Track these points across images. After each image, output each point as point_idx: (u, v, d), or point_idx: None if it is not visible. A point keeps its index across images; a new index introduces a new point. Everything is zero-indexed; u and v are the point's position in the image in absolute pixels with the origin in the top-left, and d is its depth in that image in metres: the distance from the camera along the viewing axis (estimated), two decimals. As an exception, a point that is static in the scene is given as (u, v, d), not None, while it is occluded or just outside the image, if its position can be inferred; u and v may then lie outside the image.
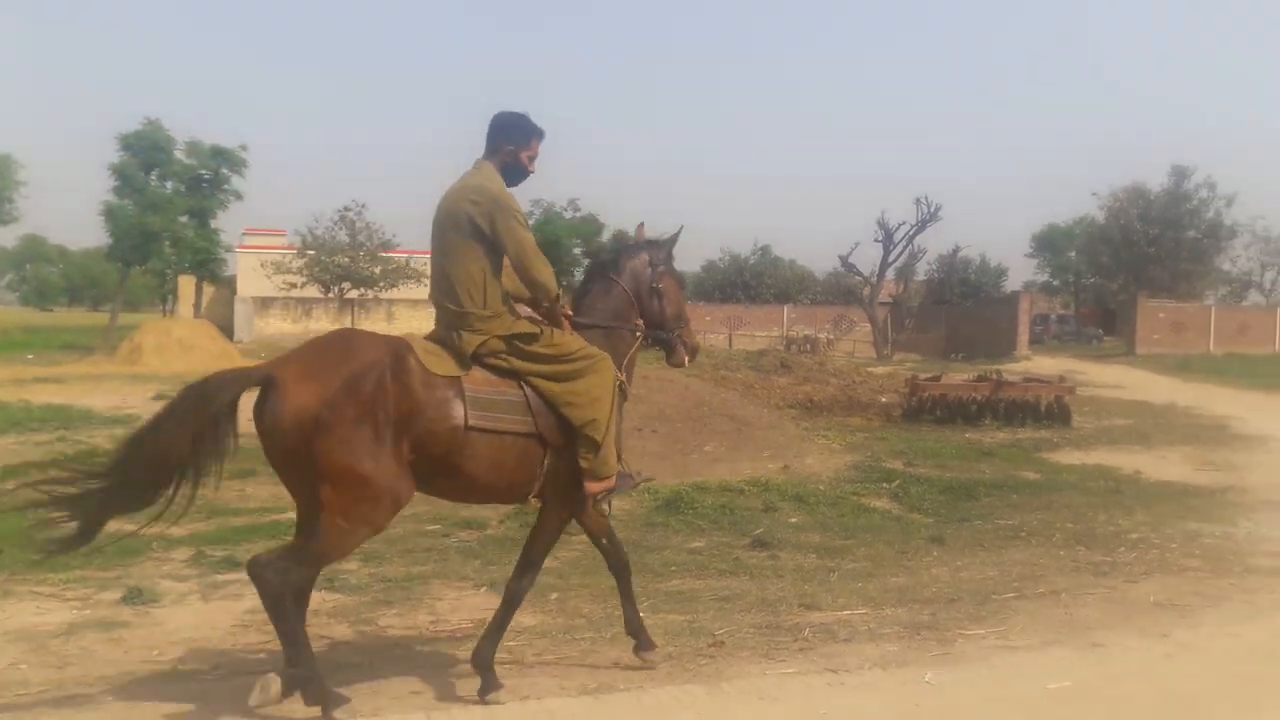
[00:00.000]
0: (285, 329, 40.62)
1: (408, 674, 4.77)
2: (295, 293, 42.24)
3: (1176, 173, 46.82)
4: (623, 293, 4.84)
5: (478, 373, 4.18)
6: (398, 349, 4.05)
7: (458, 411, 4.05)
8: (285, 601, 3.89)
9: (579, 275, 50.84)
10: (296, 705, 4.10)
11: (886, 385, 19.60)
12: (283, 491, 9.50)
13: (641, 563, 7.17)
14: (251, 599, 6.24)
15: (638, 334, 4.88)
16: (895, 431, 15.24)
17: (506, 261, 4.37)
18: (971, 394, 16.62)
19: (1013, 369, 24.96)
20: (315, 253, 42.55)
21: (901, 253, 43.82)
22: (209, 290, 46.39)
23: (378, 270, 43.01)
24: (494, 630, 4.49)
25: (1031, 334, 41.23)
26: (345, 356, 3.95)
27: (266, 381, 3.82)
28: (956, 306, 49.11)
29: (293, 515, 8.72)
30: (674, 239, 5.19)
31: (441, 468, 4.11)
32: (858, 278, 44.79)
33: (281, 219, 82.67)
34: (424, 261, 44.06)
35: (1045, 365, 29.81)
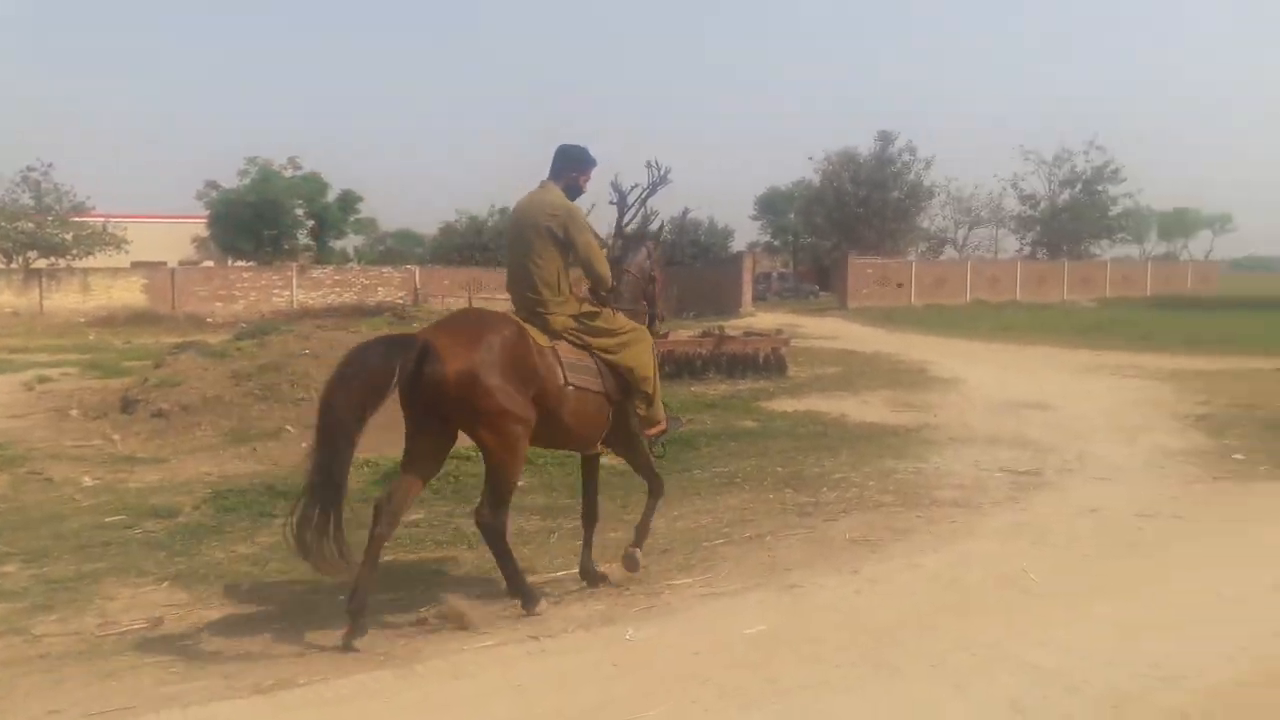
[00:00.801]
0: (-39, 306, 35.80)
1: (52, 690, 4.15)
2: (-28, 265, 37.30)
3: (882, 137, 50.38)
4: (634, 281, 6.02)
5: (563, 344, 5.21)
6: (517, 323, 5.05)
7: (560, 373, 5.08)
8: (506, 540, 4.98)
9: (303, 239, 48.03)
10: None
11: (619, 344, 19.83)
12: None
13: (353, 541, 6.74)
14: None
15: (644, 312, 6.05)
16: (626, 389, 15.39)
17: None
18: (697, 349, 17.10)
19: (737, 324, 26.04)
20: (-6, 219, 37.69)
21: (635, 215, 44.64)
22: None
23: (69, 237, 38.64)
24: (642, 537, 5.78)
25: (755, 291, 43.23)
26: (484, 328, 4.88)
27: (425, 348, 4.61)
28: (688, 267, 50.74)
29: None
30: (659, 231, 6.78)
31: (548, 418, 5.04)
32: (594, 239, 45.20)
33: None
34: (123, 225, 40.48)
35: (767, 320, 31.38)
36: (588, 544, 5.76)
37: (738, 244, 60.38)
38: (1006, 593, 5.26)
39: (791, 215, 63.87)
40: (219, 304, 37.60)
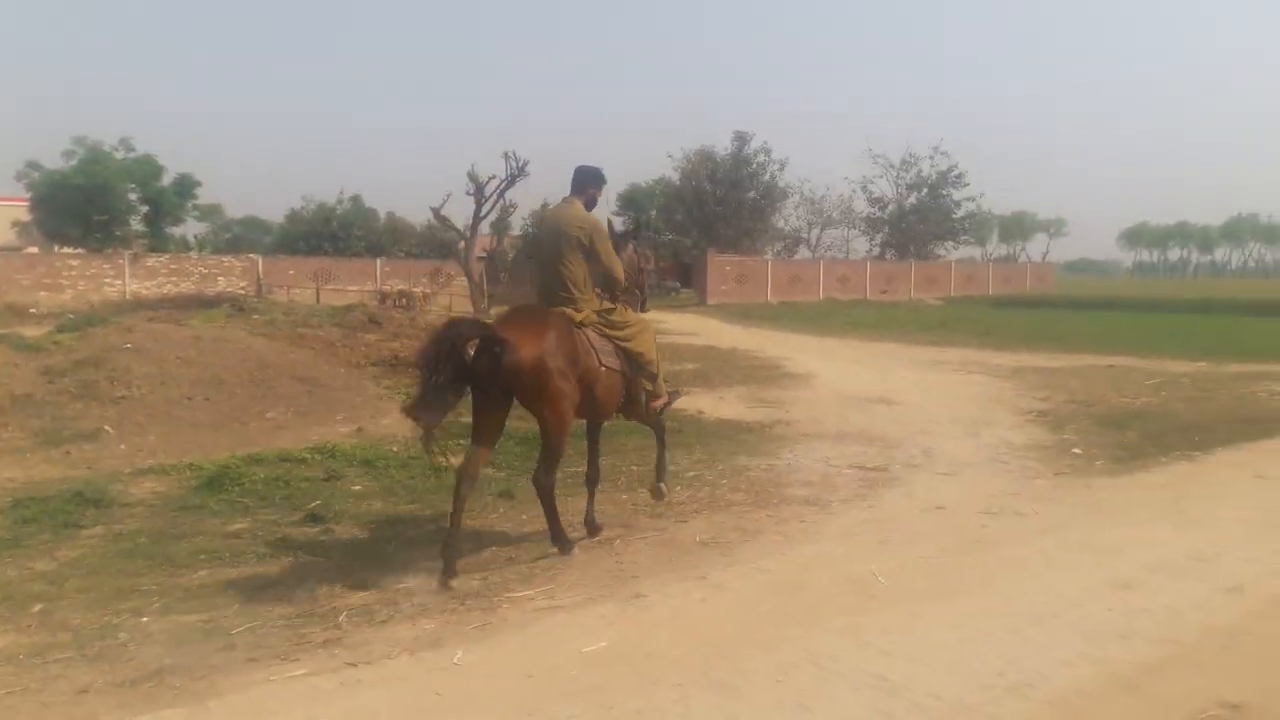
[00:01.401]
0: None
1: None
2: None
3: (739, 138, 51.05)
4: (627, 274, 6.91)
5: (590, 332, 6.20)
6: (567, 316, 6.06)
7: (595, 356, 6.12)
8: (553, 496, 6.01)
9: (136, 225, 45.13)
10: None
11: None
12: None
13: (164, 555, 6.18)
14: None
15: (638, 297, 7.21)
16: (479, 385, 14.90)
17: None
18: (554, 345, 16.71)
19: (597, 319, 25.75)
20: None
21: (493, 207, 43.86)
22: None
23: None
24: (661, 472, 7.07)
25: (618, 286, 43.13)
26: (544, 323, 5.83)
27: (501, 341, 5.47)
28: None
29: None
30: (639, 229, 8.17)
31: (589, 394, 6.06)
32: (451, 231, 44.21)
33: None
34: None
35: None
36: (591, 499, 6.87)
37: (599, 239, 60.05)
38: (853, 598, 5.13)
39: (653, 212, 64.11)
40: (44, 294, 34.99)
